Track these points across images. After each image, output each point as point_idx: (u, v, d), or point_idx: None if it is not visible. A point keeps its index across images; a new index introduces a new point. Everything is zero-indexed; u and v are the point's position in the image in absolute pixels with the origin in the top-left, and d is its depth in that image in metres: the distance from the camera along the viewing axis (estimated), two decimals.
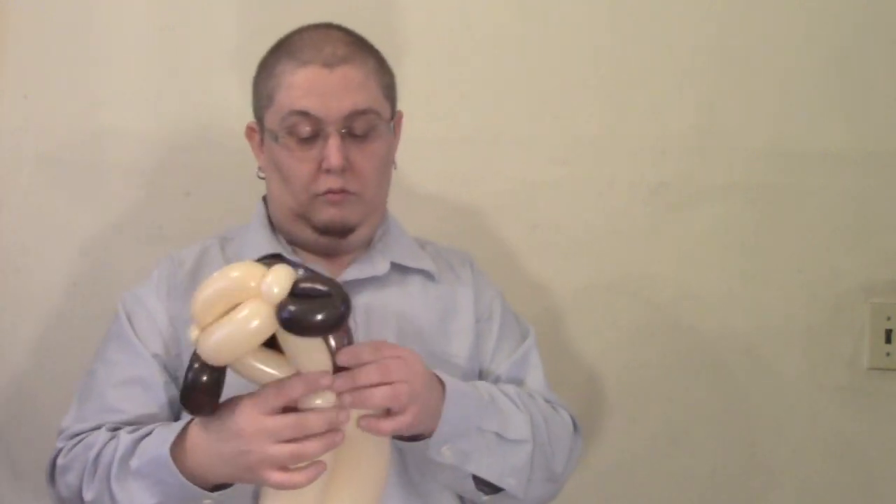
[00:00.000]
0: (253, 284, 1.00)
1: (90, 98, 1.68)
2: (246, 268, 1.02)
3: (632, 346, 1.65)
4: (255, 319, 0.99)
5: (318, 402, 1.04)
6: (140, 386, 1.22)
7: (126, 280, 1.68)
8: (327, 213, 1.24)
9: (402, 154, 1.35)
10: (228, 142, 1.68)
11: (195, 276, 1.28)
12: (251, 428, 1.03)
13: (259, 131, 1.31)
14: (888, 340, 1.65)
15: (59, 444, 1.23)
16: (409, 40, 1.62)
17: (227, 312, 1.00)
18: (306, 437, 1.03)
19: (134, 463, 1.12)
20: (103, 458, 1.15)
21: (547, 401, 1.30)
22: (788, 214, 1.67)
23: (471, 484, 1.19)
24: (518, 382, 1.31)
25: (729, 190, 1.67)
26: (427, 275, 1.33)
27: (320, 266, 1.27)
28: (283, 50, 1.26)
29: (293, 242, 1.31)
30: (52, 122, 1.68)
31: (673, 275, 1.67)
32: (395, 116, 1.31)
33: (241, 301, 1.00)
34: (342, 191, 1.23)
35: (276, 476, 1.03)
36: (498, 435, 1.18)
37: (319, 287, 1.00)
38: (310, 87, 1.21)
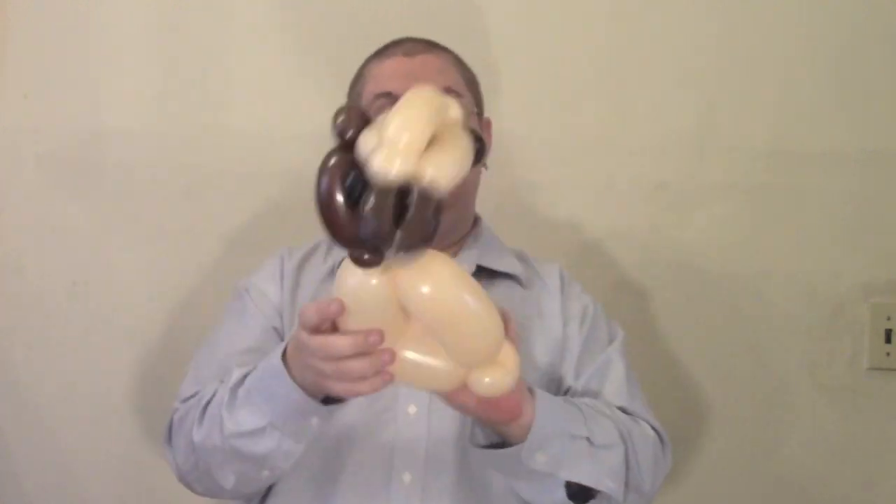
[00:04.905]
0: (452, 115, 0.96)
1: (90, 98, 1.68)
2: (436, 95, 0.96)
3: (631, 346, 1.65)
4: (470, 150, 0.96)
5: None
6: (260, 354, 1.20)
7: (126, 280, 1.69)
8: None
9: None
10: (228, 142, 1.69)
11: (300, 270, 1.34)
12: (301, 343, 1.01)
13: None
14: (888, 340, 1.65)
15: (176, 406, 1.25)
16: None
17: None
18: (356, 356, 0.95)
19: (242, 390, 1.11)
20: (214, 399, 1.15)
21: (626, 412, 1.26)
22: (788, 214, 1.67)
23: (562, 494, 1.15)
24: (595, 393, 1.28)
25: (729, 190, 1.67)
26: (514, 279, 1.34)
27: None
28: (370, 56, 1.37)
29: None
30: (52, 122, 1.68)
31: (672, 275, 1.67)
32: (480, 114, 1.36)
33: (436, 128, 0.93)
34: None
35: (337, 386, 0.98)
36: (588, 440, 1.15)
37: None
38: (392, 72, 1.31)
